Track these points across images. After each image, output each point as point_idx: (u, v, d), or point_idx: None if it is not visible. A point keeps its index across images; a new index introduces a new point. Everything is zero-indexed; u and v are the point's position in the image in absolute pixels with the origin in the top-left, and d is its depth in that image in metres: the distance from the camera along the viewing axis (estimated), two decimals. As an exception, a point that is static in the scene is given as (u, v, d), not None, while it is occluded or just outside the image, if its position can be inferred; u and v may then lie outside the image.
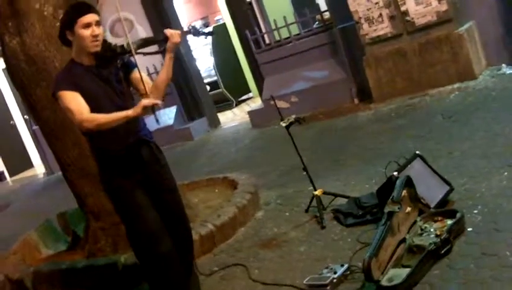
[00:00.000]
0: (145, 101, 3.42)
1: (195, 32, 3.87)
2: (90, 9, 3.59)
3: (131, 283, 4.72)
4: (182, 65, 11.55)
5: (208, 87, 13.24)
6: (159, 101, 3.46)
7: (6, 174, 16.05)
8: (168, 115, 11.71)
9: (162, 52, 3.66)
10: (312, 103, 9.37)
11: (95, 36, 3.53)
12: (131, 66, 3.74)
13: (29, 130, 14.42)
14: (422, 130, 6.61)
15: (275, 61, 10.09)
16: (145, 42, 3.68)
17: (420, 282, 3.47)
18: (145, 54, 3.74)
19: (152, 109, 3.44)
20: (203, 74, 13.27)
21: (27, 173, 15.69)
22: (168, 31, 3.65)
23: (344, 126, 8.22)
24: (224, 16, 13.66)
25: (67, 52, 3.88)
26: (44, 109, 5.22)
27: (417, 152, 4.67)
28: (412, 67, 8.26)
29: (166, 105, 11.59)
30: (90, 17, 3.53)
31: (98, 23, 3.57)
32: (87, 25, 3.51)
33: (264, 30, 11.00)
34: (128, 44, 3.53)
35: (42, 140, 11.41)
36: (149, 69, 10.71)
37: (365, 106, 8.76)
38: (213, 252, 5.11)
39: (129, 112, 3.46)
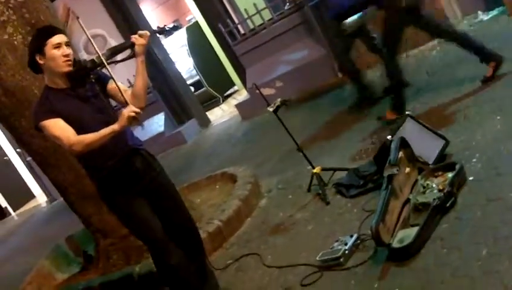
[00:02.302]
0: (126, 112, 3.41)
1: (160, 30, 3.85)
2: (58, 30, 3.59)
3: (149, 291, 4.75)
4: (162, 71, 11.53)
5: (192, 88, 13.20)
6: (139, 110, 3.45)
7: (10, 209, 16.02)
8: (157, 123, 11.67)
9: (132, 57, 3.64)
10: (297, 85, 9.35)
11: (67, 56, 3.51)
12: (106, 79, 3.71)
13: (23, 162, 14.38)
14: (410, 91, 6.58)
15: (253, 50, 10.05)
16: (114, 51, 3.65)
17: (431, 238, 3.49)
18: (116, 62, 3.71)
19: (136, 119, 3.44)
20: (185, 75, 13.22)
21: (30, 205, 15.66)
22: (134, 36, 3.63)
23: (332, 101, 8.20)
24: (195, 14, 13.60)
25: (44, 77, 3.86)
26: (33, 138, 5.20)
27: (407, 112, 4.67)
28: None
29: (154, 113, 11.58)
30: (60, 38, 3.51)
31: (67, 44, 3.55)
32: (58, 45, 3.49)
33: (236, 21, 10.97)
34: (98, 57, 3.51)
35: (38, 169, 11.39)
36: (130, 81, 10.64)
37: (350, 77, 8.73)
38: (224, 246, 5.14)
39: (115, 126, 3.44)
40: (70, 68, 3.53)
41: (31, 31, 4.92)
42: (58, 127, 3.48)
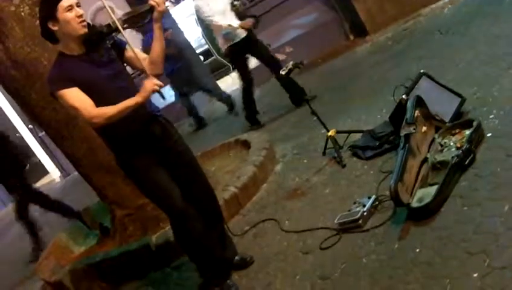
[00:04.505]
0: (149, 84, 3.37)
1: None
2: None
3: (167, 261, 4.74)
4: (172, 40, 11.42)
5: (202, 57, 13.10)
6: (161, 83, 3.41)
7: (24, 186, 16.06)
8: (168, 93, 11.61)
9: (149, 22, 3.57)
10: (308, 49, 9.25)
11: (80, 16, 3.44)
12: (122, 45, 3.65)
13: (35, 138, 14.41)
14: (422, 51, 6.52)
15: (261, 16, 9.93)
16: (131, 16, 3.58)
17: (450, 196, 3.44)
18: (133, 27, 3.65)
19: (158, 91, 3.41)
20: (194, 44, 13.11)
21: (44, 181, 15.70)
22: (152, 1, 3.56)
23: (344, 65, 8.12)
24: (202, -18, 13.45)
25: (54, 48, 3.79)
26: (44, 110, 5.16)
27: (422, 71, 4.58)
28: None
29: (165, 83, 11.51)
30: (69, 0, 3.42)
31: (78, 4, 3.47)
32: (70, 8, 3.41)
33: (244, -13, 10.84)
34: (114, 22, 3.45)
35: (51, 145, 11.42)
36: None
37: (361, 40, 8.65)
38: (241, 213, 5.11)
39: (138, 99, 3.40)
40: (85, 30, 3.47)
41: (38, 2, 4.83)
42: (76, 98, 3.40)
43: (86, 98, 3.42)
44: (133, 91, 3.50)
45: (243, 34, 6.88)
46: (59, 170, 13.96)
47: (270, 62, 7.17)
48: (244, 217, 5.02)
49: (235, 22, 6.88)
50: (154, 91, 3.39)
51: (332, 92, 7.01)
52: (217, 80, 12.52)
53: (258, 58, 7.30)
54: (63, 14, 3.40)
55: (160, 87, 3.39)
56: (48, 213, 7.76)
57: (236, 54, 7.12)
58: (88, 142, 5.18)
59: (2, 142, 7.35)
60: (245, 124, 7.70)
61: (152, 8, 3.54)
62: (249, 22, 6.75)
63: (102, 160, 5.12)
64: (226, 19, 6.90)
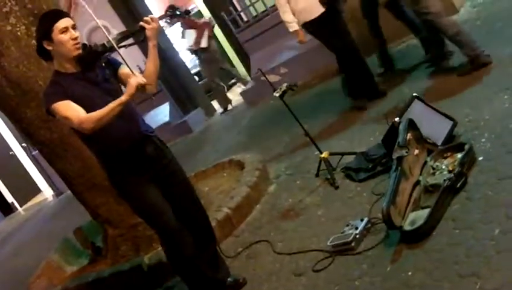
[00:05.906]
0: (133, 81, 3.38)
1: (172, 13, 3.81)
2: (63, 14, 3.55)
3: (159, 282, 4.73)
4: (166, 60, 11.48)
5: (196, 78, 13.16)
6: (145, 79, 3.44)
7: (17, 204, 16.05)
8: (163, 113, 11.66)
9: (143, 41, 3.62)
10: (302, 70, 9.29)
11: (75, 39, 3.48)
12: (116, 64, 3.71)
13: (29, 156, 14.40)
14: (414, 74, 6.55)
15: (256, 37, 10.01)
16: (124, 36, 3.63)
17: (442, 219, 3.46)
18: (127, 46, 3.69)
19: (143, 88, 3.42)
20: (188, 65, 13.19)
21: (36, 199, 15.68)
22: (144, 19, 3.60)
23: (337, 86, 8.12)
24: (197, 3, 13.55)
25: (49, 68, 3.82)
26: (39, 129, 5.18)
27: (414, 94, 4.63)
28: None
29: (159, 103, 11.56)
30: (66, 22, 3.48)
31: (74, 27, 3.52)
32: (65, 30, 3.46)
33: (239, 8, 10.91)
34: (108, 41, 3.49)
35: (44, 163, 11.39)
36: (140, 67, 10.55)
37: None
38: (234, 234, 5.12)
39: (122, 98, 3.42)
40: (79, 52, 3.51)
41: (34, 21, 4.88)
42: (69, 108, 3.45)
43: (78, 107, 3.46)
44: (128, 108, 3.55)
45: (320, 10, 6.22)
46: (52, 188, 13.93)
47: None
48: (237, 238, 5.03)
49: None
50: (139, 87, 3.39)
51: (326, 113, 7.03)
52: (212, 100, 12.57)
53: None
54: (57, 36, 3.45)
55: (144, 82, 3.41)
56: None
57: (315, 30, 6.51)
58: (81, 162, 5.19)
59: None
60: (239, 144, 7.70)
61: (142, 27, 3.59)
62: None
63: (95, 179, 5.13)
64: None
